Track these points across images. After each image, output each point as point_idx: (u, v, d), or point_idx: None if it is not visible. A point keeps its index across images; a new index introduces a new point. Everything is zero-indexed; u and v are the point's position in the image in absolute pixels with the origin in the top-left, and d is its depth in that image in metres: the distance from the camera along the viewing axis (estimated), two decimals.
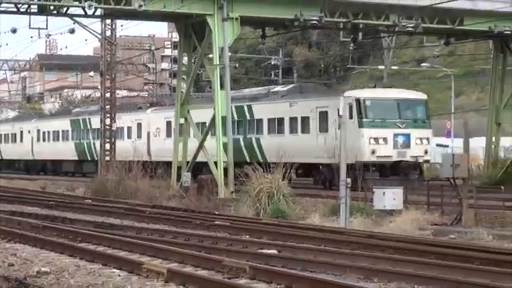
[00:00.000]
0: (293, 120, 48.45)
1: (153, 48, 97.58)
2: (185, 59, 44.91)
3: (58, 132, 74.40)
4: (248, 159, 45.56)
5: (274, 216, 31.70)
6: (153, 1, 38.04)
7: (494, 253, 20.96)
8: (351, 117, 42.89)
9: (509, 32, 44.20)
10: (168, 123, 55.17)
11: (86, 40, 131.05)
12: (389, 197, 31.11)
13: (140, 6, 38.10)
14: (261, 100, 51.61)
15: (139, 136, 61.02)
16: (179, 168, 43.15)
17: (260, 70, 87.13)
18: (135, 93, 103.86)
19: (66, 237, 24.15)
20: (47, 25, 43.16)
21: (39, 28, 44.31)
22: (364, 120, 43.76)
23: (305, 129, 47.59)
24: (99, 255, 20.10)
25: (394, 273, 17.33)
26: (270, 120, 49.77)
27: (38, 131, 77.03)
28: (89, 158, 67.21)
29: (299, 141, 47.29)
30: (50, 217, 30.38)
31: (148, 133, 59.93)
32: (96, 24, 55.60)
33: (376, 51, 79.33)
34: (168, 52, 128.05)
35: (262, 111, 50.42)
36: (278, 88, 54.76)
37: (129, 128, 63.07)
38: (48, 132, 75.72)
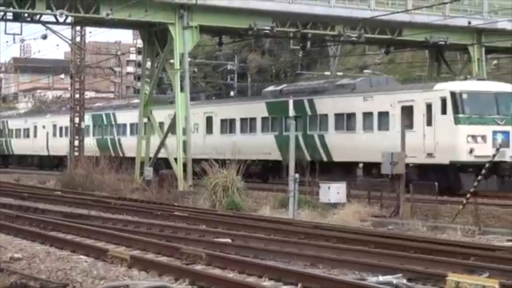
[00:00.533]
0: (367, 115, 41.79)
1: (119, 53, 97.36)
2: (148, 64, 44.75)
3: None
4: (308, 158, 41.99)
5: (228, 208, 31.67)
6: (119, 10, 37.87)
7: (427, 242, 21.09)
8: (444, 112, 37.57)
9: (443, 43, 44.43)
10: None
11: (57, 45, 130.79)
12: (334, 191, 31.16)
13: (108, 14, 37.94)
14: (324, 94, 44.77)
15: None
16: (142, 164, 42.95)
17: (217, 74, 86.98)
18: (103, 94, 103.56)
19: (38, 226, 24.04)
20: (21, 31, 42.89)
21: (14, 34, 43.88)
22: (460, 116, 37.64)
23: (383, 125, 40.79)
24: (67, 243, 20.03)
25: (337, 261, 17.39)
26: (338, 116, 43.28)
27: (54, 126, 68.35)
28: (112, 155, 51.60)
29: (374, 139, 40.86)
30: (23, 208, 30.17)
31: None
32: (67, 31, 55.61)
33: (322, 58, 79.36)
34: (133, 57, 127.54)
35: (326, 105, 43.92)
36: (344, 81, 47.64)
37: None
38: (66, 127, 64.16)
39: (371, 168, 38.30)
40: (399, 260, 17.43)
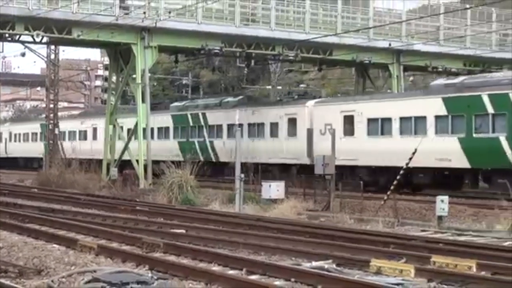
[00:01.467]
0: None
1: (88, 69, 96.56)
2: (114, 78, 44.45)
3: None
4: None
5: (183, 203, 31.58)
6: (89, 32, 37.68)
7: (354, 232, 21.21)
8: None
9: (367, 62, 44.74)
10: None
11: (34, 61, 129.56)
12: (274, 188, 31.18)
13: (78, 35, 37.78)
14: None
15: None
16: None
17: (173, 88, 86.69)
18: (74, 105, 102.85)
19: (16, 219, 23.77)
20: (2, 49, 42.32)
21: None
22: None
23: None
24: (42, 234, 19.85)
25: (277, 248, 17.41)
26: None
27: (121, 128, 52.76)
28: (201, 159, 42.72)
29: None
30: (3, 203, 29.81)
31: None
32: (43, 49, 55.06)
33: (265, 74, 79.48)
34: (100, 72, 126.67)
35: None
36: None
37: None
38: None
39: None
40: (330, 247, 17.49)
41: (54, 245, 17.86)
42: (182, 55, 46.57)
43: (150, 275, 13.22)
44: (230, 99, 50.18)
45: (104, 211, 28.23)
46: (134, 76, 40.48)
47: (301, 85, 74.63)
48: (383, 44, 43.43)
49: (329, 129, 35.08)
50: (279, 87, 74.18)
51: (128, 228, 21.87)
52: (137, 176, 39.28)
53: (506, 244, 19.66)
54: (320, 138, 38.03)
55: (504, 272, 14.40)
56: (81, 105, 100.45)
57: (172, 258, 16.06)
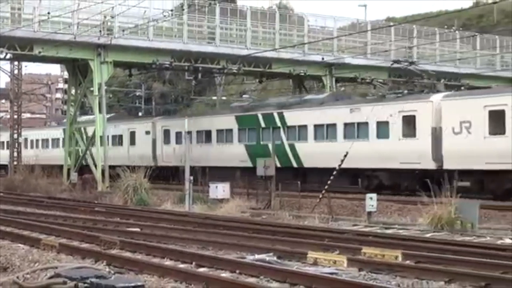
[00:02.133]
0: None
1: (49, 82, 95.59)
2: (73, 91, 43.98)
3: (210, 132, 43.06)
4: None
5: (138, 204, 31.40)
6: (49, 49, 37.30)
7: (292, 228, 21.29)
8: None
9: (303, 74, 45.02)
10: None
11: None
12: (220, 189, 31.14)
13: (40, 52, 37.43)
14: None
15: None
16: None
17: (128, 99, 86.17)
18: (37, 116, 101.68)
19: None
20: None
21: None
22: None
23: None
24: (8, 234, 19.54)
25: (223, 244, 17.40)
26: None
27: (166, 131, 46.68)
28: (281, 165, 35.51)
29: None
30: None
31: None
32: (7, 65, 54.34)
33: (211, 86, 79.41)
34: (60, 85, 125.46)
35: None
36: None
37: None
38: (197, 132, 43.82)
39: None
40: (271, 242, 17.54)
41: (19, 244, 17.62)
42: (135, 69, 46.39)
43: (108, 270, 13.14)
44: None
45: (65, 212, 27.93)
46: (91, 88, 40.11)
47: (244, 96, 74.68)
48: (317, 58, 43.70)
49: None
50: (224, 97, 74.24)
51: (87, 227, 21.66)
52: (95, 180, 38.97)
53: (428, 235, 19.92)
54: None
55: (426, 260, 14.58)
56: (43, 116, 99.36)
57: (128, 254, 15.94)
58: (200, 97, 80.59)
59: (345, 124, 34.63)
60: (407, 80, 46.41)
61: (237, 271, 13.37)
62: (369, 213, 24.65)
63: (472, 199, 24.37)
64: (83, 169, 43.00)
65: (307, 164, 36.28)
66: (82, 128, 44.41)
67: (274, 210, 28.06)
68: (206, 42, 41.30)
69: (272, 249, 16.10)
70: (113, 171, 36.27)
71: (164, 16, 37.44)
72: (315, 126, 36.12)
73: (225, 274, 13.25)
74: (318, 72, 45.60)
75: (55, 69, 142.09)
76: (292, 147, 37.10)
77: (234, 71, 43.76)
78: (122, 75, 70.05)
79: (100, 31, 37.58)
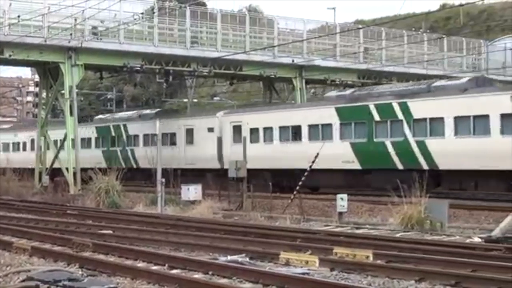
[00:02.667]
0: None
1: (20, 85, 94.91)
2: (44, 94, 43.64)
3: (299, 127, 35.70)
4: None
5: (110, 206, 31.22)
6: (20, 52, 37.02)
7: (264, 229, 21.28)
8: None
9: (273, 76, 45.07)
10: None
11: None
12: (192, 191, 31.06)
13: (10, 55, 37.11)
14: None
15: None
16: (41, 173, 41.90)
17: (99, 101, 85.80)
18: (8, 119, 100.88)
19: None
20: None
21: None
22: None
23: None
24: None
25: (196, 245, 17.35)
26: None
27: (235, 127, 39.16)
28: (404, 167, 30.81)
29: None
30: None
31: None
32: None
33: (182, 88, 79.31)
34: (31, 88, 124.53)
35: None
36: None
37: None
38: (270, 128, 37.16)
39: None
40: (243, 243, 17.51)
41: None
42: (106, 72, 46.11)
43: (80, 272, 13.05)
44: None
45: (37, 215, 27.69)
46: (62, 91, 39.82)
47: (215, 98, 74.67)
48: (287, 60, 43.76)
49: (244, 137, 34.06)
50: (195, 100, 74.17)
51: (59, 230, 21.49)
52: (67, 182, 38.68)
53: (398, 235, 20.01)
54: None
55: (397, 260, 14.64)
56: (14, 119, 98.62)
57: (100, 256, 15.83)
58: (171, 99, 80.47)
59: (504, 116, 27.67)
60: (375, 82, 46.78)
61: (210, 272, 13.33)
62: (340, 213, 24.71)
63: (441, 199, 24.47)
64: (55, 172, 42.69)
65: (443, 165, 29.57)
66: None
67: (246, 211, 28.03)
68: (177, 45, 41.16)
69: (245, 250, 16.08)
70: (84, 174, 35.92)
71: (135, 19, 37.29)
72: (456, 118, 29.37)
73: (198, 276, 13.20)
74: (288, 74, 45.65)
75: (26, 72, 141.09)
76: (422, 145, 30.48)
77: (205, 73, 43.68)
78: (93, 78, 69.75)
79: (71, 34, 37.31)
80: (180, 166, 39.73)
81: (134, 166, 45.91)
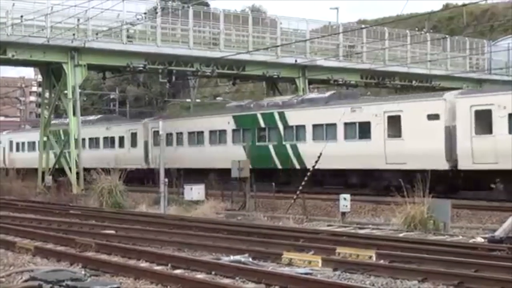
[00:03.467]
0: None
1: (23, 86, 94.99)
2: (47, 94, 43.73)
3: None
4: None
5: (113, 206, 31.23)
6: (23, 52, 37.09)
7: (267, 229, 21.27)
8: None
9: (276, 76, 45.11)
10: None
11: None
12: (195, 191, 31.07)
13: (13, 55, 37.19)
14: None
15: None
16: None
17: (102, 102, 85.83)
18: (11, 119, 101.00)
19: None
20: None
21: None
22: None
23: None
24: None
25: (199, 245, 17.35)
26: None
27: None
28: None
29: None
30: None
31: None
32: None
33: (185, 88, 79.33)
34: (34, 89, 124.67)
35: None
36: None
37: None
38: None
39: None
40: (246, 243, 17.50)
41: None
42: (109, 72, 46.16)
43: (83, 272, 13.06)
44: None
45: (40, 215, 27.71)
46: (65, 92, 39.87)
47: (218, 98, 74.66)
48: (290, 60, 43.76)
49: None
50: (198, 100, 74.17)
51: (62, 230, 21.51)
52: (70, 182, 38.71)
53: (401, 235, 20.00)
54: None
55: (400, 260, 14.62)
56: (17, 119, 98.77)
57: (103, 256, 15.83)
58: (174, 99, 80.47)
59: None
60: (378, 82, 46.78)
61: (213, 273, 13.32)
62: (343, 213, 24.70)
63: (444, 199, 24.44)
64: (58, 172, 42.73)
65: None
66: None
67: (249, 211, 28.03)
68: (180, 45, 41.17)
69: (247, 250, 16.06)
70: (87, 174, 35.94)
71: (138, 19, 37.32)
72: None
73: (201, 276, 13.20)
74: (291, 74, 45.67)
75: (29, 72, 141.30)
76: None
77: (208, 73, 43.71)
78: (96, 78, 69.73)
79: (74, 34, 37.35)
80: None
81: (297, 166, 35.54)
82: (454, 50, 50.72)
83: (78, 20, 37.17)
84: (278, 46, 42.85)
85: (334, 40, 45.80)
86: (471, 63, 53.25)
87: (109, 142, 48.78)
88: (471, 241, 18.53)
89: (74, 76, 38.77)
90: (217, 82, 71.02)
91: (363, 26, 52.07)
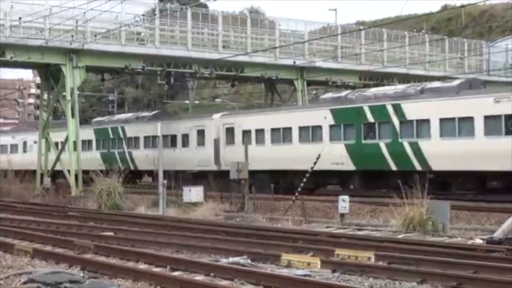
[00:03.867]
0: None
1: (21, 87, 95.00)
2: (45, 96, 43.69)
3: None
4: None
5: (111, 208, 31.22)
6: (21, 54, 37.06)
7: (266, 230, 21.24)
8: None
9: (275, 78, 45.14)
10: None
11: None
12: (194, 193, 31.04)
13: (11, 57, 37.17)
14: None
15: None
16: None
17: (101, 103, 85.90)
18: (9, 121, 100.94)
19: None
20: None
21: None
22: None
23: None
24: None
25: (197, 247, 17.32)
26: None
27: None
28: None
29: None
30: None
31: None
32: None
33: (183, 90, 79.37)
34: (33, 90, 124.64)
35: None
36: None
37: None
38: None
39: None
40: (245, 244, 17.49)
41: None
42: (108, 74, 46.17)
43: (82, 274, 13.04)
44: None
45: (38, 217, 27.65)
46: (64, 93, 39.88)
47: (216, 99, 74.73)
48: (289, 61, 43.79)
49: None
50: (197, 102, 74.19)
51: (61, 232, 21.47)
52: (68, 184, 38.69)
53: (400, 236, 19.99)
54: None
55: (399, 261, 14.62)
56: (16, 121, 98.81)
57: (102, 258, 15.81)
58: (172, 101, 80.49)
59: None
60: (377, 83, 46.79)
61: (212, 274, 13.31)
62: (342, 214, 24.69)
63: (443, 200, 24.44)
64: (56, 174, 42.69)
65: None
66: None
67: (248, 213, 28.02)
68: (178, 46, 41.18)
69: (246, 251, 16.04)
70: (86, 176, 35.88)
71: (136, 21, 37.32)
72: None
73: (200, 277, 13.19)
74: (290, 76, 45.69)
75: (27, 74, 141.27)
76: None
77: (206, 75, 43.70)
78: (94, 80, 69.82)
79: (72, 36, 37.35)
80: None
81: (418, 167, 30.36)
82: (452, 51, 50.74)
83: (77, 22, 37.19)
84: (276, 47, 42.86)
85: (332, 42, 45.81)
86: (469, 64, 53.26)
87: (169, 141, 43.11)
88: (469, 242, 18.53)
89: (73, 78, 38.76)
90: (215, 84, 71.04)
91: (361, 27, 52.09)
